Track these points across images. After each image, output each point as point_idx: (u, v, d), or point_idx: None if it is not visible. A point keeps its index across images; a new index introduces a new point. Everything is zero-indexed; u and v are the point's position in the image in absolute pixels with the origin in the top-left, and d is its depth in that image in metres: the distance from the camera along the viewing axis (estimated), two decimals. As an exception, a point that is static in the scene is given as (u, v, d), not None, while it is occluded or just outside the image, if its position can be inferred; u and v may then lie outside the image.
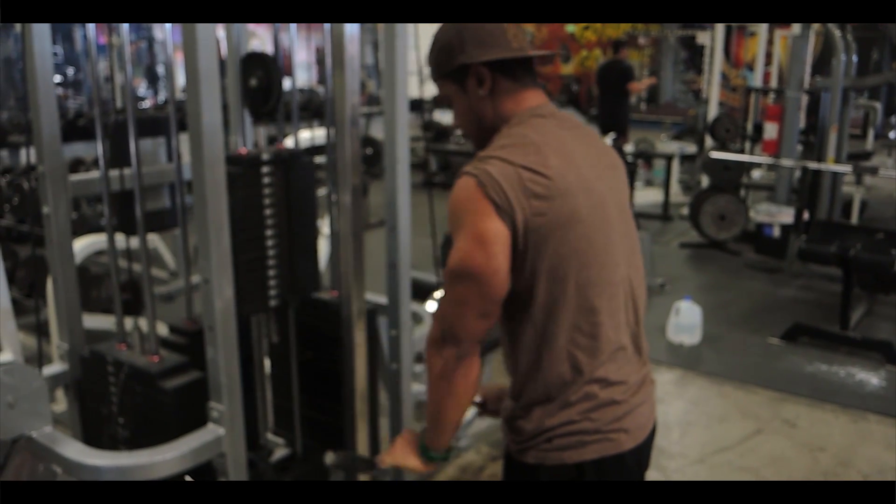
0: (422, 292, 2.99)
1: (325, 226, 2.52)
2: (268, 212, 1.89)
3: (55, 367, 2.03)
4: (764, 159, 6.13)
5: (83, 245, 3.32)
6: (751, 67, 10.60)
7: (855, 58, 5.40)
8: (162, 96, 9.90)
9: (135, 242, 1.97)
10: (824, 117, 5.24)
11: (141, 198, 1.84)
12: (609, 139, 5.66)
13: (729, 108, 9.82)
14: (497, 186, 1.22)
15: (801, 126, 5.63)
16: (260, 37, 12.00)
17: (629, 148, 7.43)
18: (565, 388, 1.30)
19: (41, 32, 1.81)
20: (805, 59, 5.48)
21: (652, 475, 1.49)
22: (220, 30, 1.68)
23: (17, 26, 7.02)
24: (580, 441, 1.30)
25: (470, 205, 1.24)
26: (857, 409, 3.39)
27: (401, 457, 1.50)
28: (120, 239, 2.00)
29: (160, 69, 10.69)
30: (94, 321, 3.33)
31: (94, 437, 1.97)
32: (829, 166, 5.21)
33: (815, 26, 5.85)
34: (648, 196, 7.56)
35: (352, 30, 1.85)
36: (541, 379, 1.31)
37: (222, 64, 1.69)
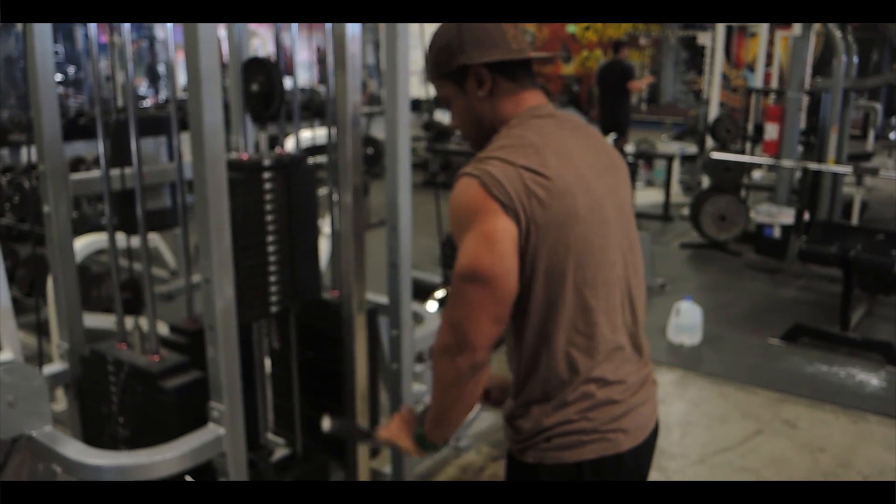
0: (423, 292, 3.00)
1: (326, 225, 2.52)
2: (269, 217, 1.88)
3: (55, 367, 2.03)
4: (764, 160, 6.13)
5: (84, 244, 3.32)
6: (751, 68, 10.59)
7: (855, 59, 5.40)
8: (163, 95, 9.91)
9: (135, 241, 1.97)
10: (825, 118, 5.23)
11: (142, 197, 1.84)
12: (610, 139, 5.66)
13: (730, 108, 9.82)
14: (500, 186, 1.22)
15: (801, 127, 5.63)
16: (261, 37, 12.02)
17: (630, 148, 7.43)
18: (563, 387, 1.30)
19: (42, 31, 1.81)
20: (806, 59, 5.48)
21: (652, 475, 1.48)
22: (222, 30, 1.68)
23: (19, 25, 7.02)
24: (578, 441, 1.30)
25: (475, 204, 1.23)
26: (857, 410, 3.39)
27: (397, 435, 1.49)
28: (121, 238, 2.00)
29: (161, 68, 10.70)
30: (95, 320, 3.32)
31: (95, 436, 1.97)
32: (830, 167, 5.21)
33: (816, 27, 5.85)
34: (649, 196, 7.56)
35: (353, 30, 1.85)
36: (539, 378, 1.31)
37: (223, 65, 1.69)
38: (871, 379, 3.71)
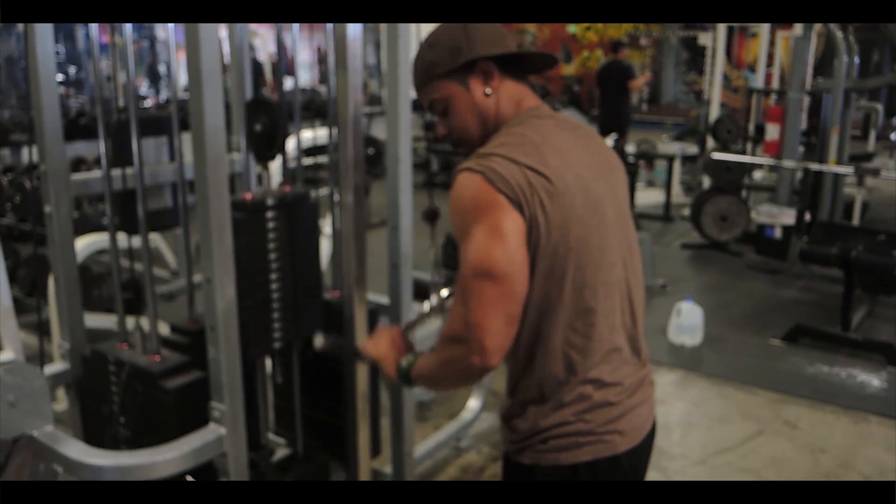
0: (424, 292, 2.99)
1: (327, 225, 2.53)
2: (272, 256, 1.89)
3: (56, 367, 2.04)
4: (765, 160, 6.13)
5: (85, 244, 3.32)
6: (752, 68, 10.59)
7: (856, 59, 5.39)
8: (164, 95, 9.91)
9: (136, 241, 1.97)
10: (826, 119, 5.23)
11: (143, 197, 1.84)
12: (610, 140, 5.66)
13: (730, 109, 9.82)
14: (505, 181, 1.21)
15: (802, 127, 5.63)
16: (262, 36, 12.02)
17: (630, 148, 7.43)
18: (559, 388, 1.30)
19: (44, 32, 1.81)
20: (807, 60, 5.47)
21: (653, 476, 1.48)
22: (223, 30, 1.68)
23: (20, 25, 7.02)
24: (575, 442, 1.30)
25: (482, 198, 1.21)
26: (858, 411, 3.39)
27: (384, 358, 1.49)
28: (122, 238, 2.00)
29: (162, 68, 10.70)
30: (96, 320, 3.32)
31: (96, 436, 1.97)
32: (831, 168, 5.21)
33: (817, 27, 5.85)
34: (650, 197, 7.56)
35: (354, 30, 1.85)
36: (534, 377, 1.31)
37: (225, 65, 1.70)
38: (872, 380, 3.71)
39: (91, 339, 2.06)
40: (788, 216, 5.26)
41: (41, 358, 1.91)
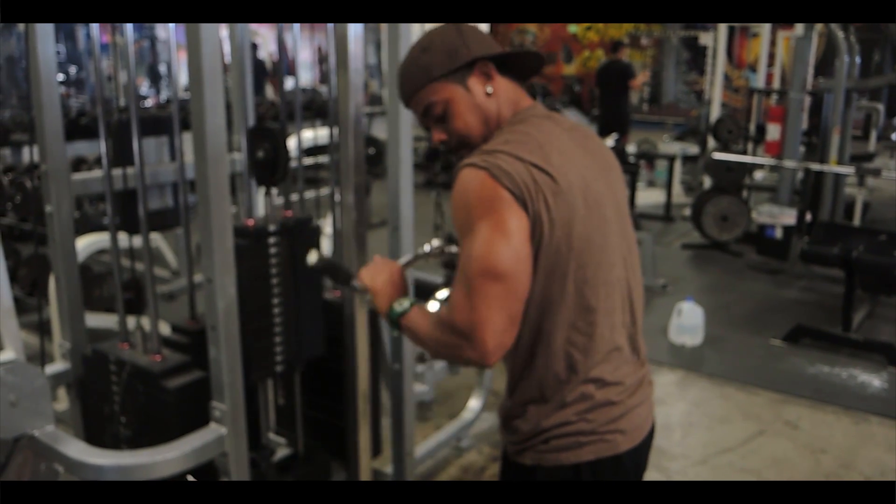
0: (425, 292, 2.99)
1: (328, 225, 2.52)
2: (274, 281, 1.90)
3: (57, 366, 2.04)
4: (766, 160, 6.12)
5: (85, 244, 3.32)
6: (753, 68, 10.59)
7: (858, 59, 5.39)
8: (164, 95, 9.92)
9: (137, 241, 1.97)
10: (827, 119, 5.23)
11: (143, 197, 1.84)
12: (611, 140, 5.66)
13: (731, 109, 9.82)
14: (510, 178, 1.20)
15: (803, 127, 5.62)
16: (263, 36, 12.01)
17: (631, 148, 7.43)
18: (561, 387, 1.30)
19: (44, 31, 1.81)
20: (808, 60, 5.47)
21: (653, 476, 1.48)
22: (224, 29, 1.68)
23: (21, 25, 7.03)
24: (577, 442, 1.30)
25: (487, 195, 1.21)
26: (859, 411, 3.39)
27: (379, 292, 1.44)
28: (122, 238, 2.00)
29: (163, 68, 10.71)
30: (97, 320, 3.32)
31: (97, 436, 1.97)
32: (832, 168, 5.20)
33: (818, 27, 5.85)
34: (650, 197, 7.55)
35: (355, 30, 1.85)
36: (535, 377, 1.31)
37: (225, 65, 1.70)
38: (873, 380, 3.70)
39: (92, 338, 2.06)
40: (789, 216, 5.26)
41: (42, 357, 1.92)
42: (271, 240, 1.89)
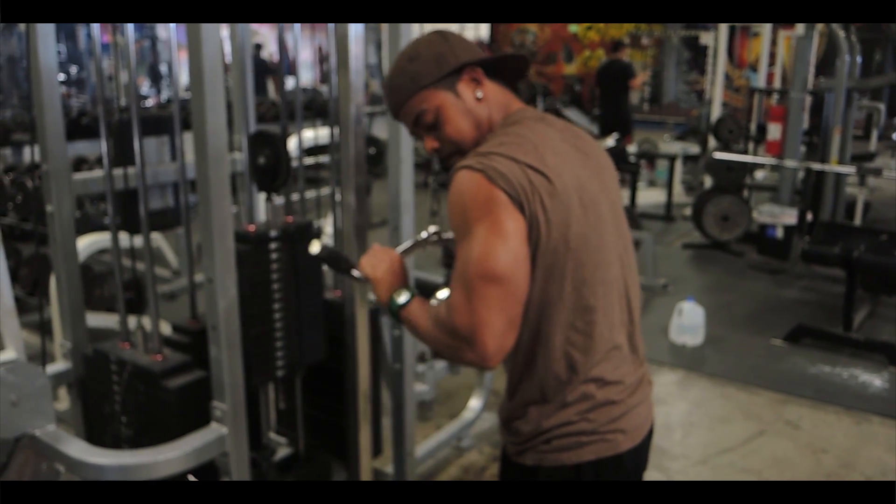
0: (425, 292, 3.00)
1: (328, 225, 2.52)
2: (275, 286, 1.90)
3: (58, 366, 2.04)
4: (767, 160, 6.12)
5: (86, 243, 3.32)
6: (754, 68, 10.58)
7: (859, 59, 5.38)
8: (165, 95, 9.92)
9: (138, 241, 1.97)
10: (828, 118, 5.23)
11: (144, 196, 1.84)
12: (612, 140, 5.66)
13: (732, 108, 9.81)
14: (506, 180, 1.20)
15: (804, 127, 5.62)
16: (263, 36, 12.01)
17: (632, 148, 7.42)
18: (561, 387, 1.30)
19: (45, 31, 1.81)
20: (809, 59, 5.46)
21: (654, 476, 1.48)
22: (224, 29, 1.68)
23: (22, 25, 7.03)
24: (578, 442, 1.30)
25: (483, 197, 1.20)
26: (860, 411, 3.38)
27: (379, 282, 1.43)
28: (123, 237, 2.00)
29: (163, 68, 10.71)
30: (98, 320, 3.32)
31: (97, 435, 1.97)
32: (833, 167, 5.20)
33: (819, 27, 5.84)
34: (651, 196, 7.55)
35: (356, 30, 1.85)
36: (536, 378, 1.31)
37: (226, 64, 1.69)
38: (874, 380, 3.70)
39: (93, 338, 2.06)
40: (790, 216, 5.26)
41: (43, 357, 1.92)
42: (272, 245, 1.89)
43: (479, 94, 1.35)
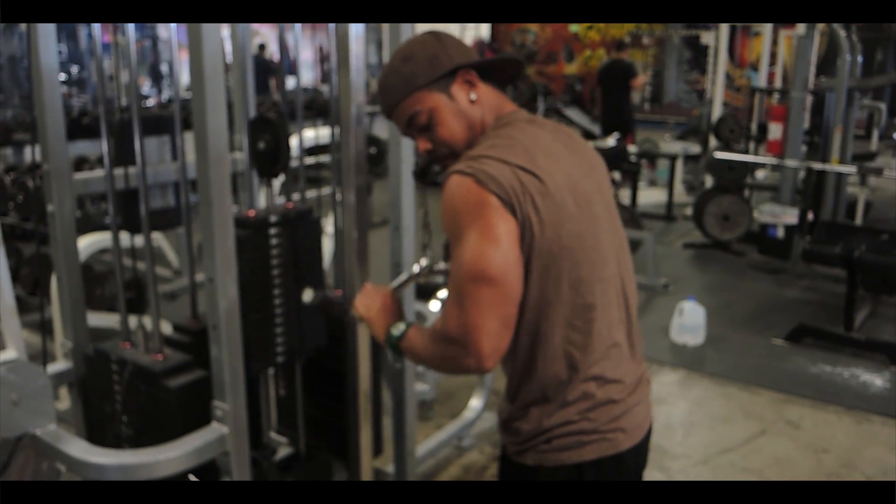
0: (426, 292, 3.00)
1: (329, 224, 2.53)
2: (275, 272, 1.90)
3: (59, 365, 2.04)
4: (768, 160, 6.12)
5: (87, 243, 3.33)
6: (755, 68, 10.58)
7: (860, 58, 5.38)
8: (166, 95, 9.92)
9: (139, 241, 1.97)
10: (829, 118, 5.22)
11: (145, 196, 1.84)
12: (612, 140, 5.65)
13: (733, 108, 9.81)
14: (496, 182, 1.21)
15: (805, 126, 5.62)
16: (264, 36, 12.02)
17: (633, 148, 7.42)
18: (562, 387, 1.30)
19: (46, 31, 1.81)
20: (810, 59, 5.46)
21: (655, 476, 1.48)
22: (225, 28, 1.68)
23: (23, 25, 7.02)
24: (579, 441, 1.30)
25: (474, 201, 1.21)
26: (861, 411, 3.38)
27: (374, 320, 1.45)
28: (124, 237, 2.00)
29: (164, 68, 10.71)
30: (99, 319, 3.33)
31: (98, 435, 1.98)
32: (834, 167, 5.20)
33: (820, 27, 5.84)
34: (652, 196, 7.55)
35: (357, 29, 1.85)
36: (536, 379, 1.31)
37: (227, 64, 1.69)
38: (875, 380, 3.70)
39: (94, 337, 2.06)
40: (791, 216, 5.26)
41: (44, 357, 1.92)
42: (272, 230, 1.89)
43: (473, 97, 1.35)
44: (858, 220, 5.95)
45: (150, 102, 9.26)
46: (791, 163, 5.37)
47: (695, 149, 7.87)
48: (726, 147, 6.52)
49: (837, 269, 4.64)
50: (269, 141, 1.95)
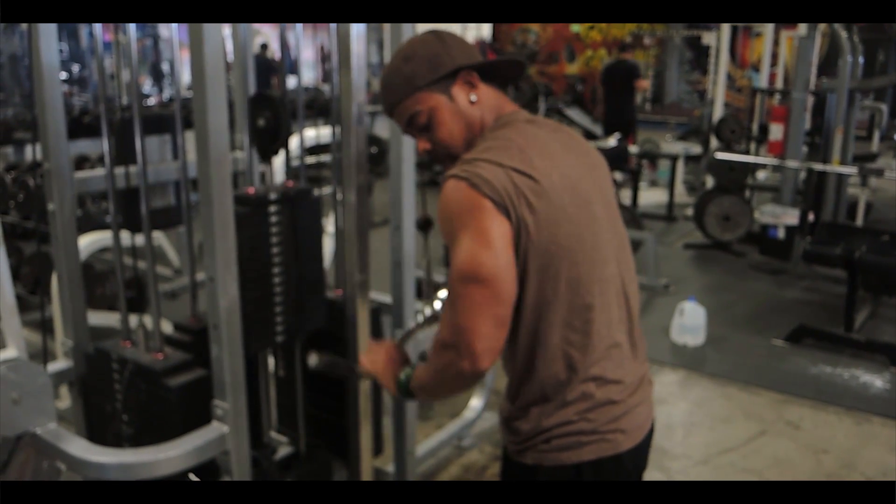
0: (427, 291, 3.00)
1: (330, 224, 2.53)
2: (275, 250, 1.89)
3: (60, 364, 2.04)
4: (769, 160, 6.12)
5: (88, 242, 3.33)
6: (756, 68, 10.57)
7: (861, 59, 5.38)
8: (167, 94, 9.93)
9: (140, 240, 1.97)
10: (830, 119, 5.22)
11: (146, 195, 1.84)
12: (614, 140, 5.65)
13: (734, 108, 9.80)
14: (490, 185, 1.22)
15: (806, 127, 5.62)
16: (265, 35, 12.02)
17: (633, 148, 7.42)
18: (561, 387, 1.30)
19: (47, 30, 1.81)
20: (811, 60, 5.46)
21: (655, 476, 1.48)
22: (226, 27, 1.68)
23: (24, 24, 7.03)
24: (578, 441, 1.30)
25: (467, 204, 1.22)
26: (861, 412, 3.38)
27: (382, 374, 1.52)
28: (125, 236, 2.00)
29: (165, 66, 10.72)
30: (99, 318, 3.33)
31: (99, 434, 1.98)
32: (835, 168, 5.20)
33: (822, 27, 5.84)
34: (653, 196, 7.55)
35: (358, 29, 1.85)
36: (536, 379, 1.31)
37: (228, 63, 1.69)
38: (875, 380, 3.70)
39: (94, 336, 2.06)
40: (792, 216, 5.26)
41: (44, 355, 1.92)
42: (272, 208, 1.88)
43: (473, 98, 1.35)
44: (859, 221, 5.95)
45: (151, 101, 9.27)
46: (792, 163, 5.37)
47: (696, 149, 7.87)
48: (727, 147, 6.53)
49: (838, 270, 4.63)
50: (269, 119, 1.95)
